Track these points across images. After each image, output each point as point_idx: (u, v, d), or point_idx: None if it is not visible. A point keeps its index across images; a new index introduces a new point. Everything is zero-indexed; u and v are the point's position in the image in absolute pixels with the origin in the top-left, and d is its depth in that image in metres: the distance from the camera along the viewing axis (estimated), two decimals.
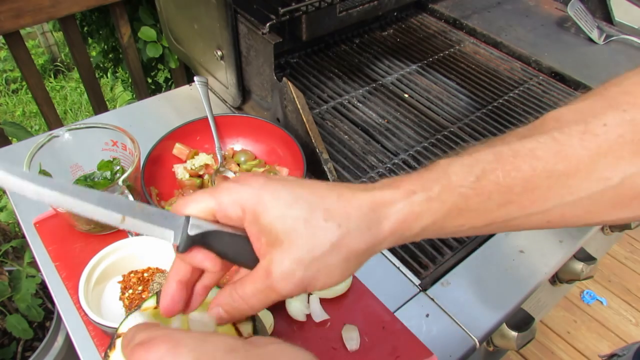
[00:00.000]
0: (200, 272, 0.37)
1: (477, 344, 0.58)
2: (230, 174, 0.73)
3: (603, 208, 0.31)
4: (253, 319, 0.44)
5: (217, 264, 0.35)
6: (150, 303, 0.45)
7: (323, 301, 0.60)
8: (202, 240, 0.34)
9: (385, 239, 0.33)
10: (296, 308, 0.58)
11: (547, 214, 0.31)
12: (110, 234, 0.66)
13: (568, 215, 0.31)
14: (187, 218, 0.33)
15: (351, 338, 0.56)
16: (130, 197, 0.58)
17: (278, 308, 0.59)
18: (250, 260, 0.35)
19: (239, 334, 0.43)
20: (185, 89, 0.96)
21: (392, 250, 0.67)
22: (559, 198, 0.30)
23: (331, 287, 0.58)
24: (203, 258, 0.34)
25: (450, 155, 0.34)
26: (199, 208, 0.34)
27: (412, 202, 0.32)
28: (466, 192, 0.31)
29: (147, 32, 1.28)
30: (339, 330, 0.57)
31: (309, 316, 0.59)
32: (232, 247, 0.35)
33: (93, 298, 0.56)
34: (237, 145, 0.78)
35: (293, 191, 0.33)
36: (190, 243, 0.33)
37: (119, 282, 0.59)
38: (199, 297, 0.37)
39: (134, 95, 1.50)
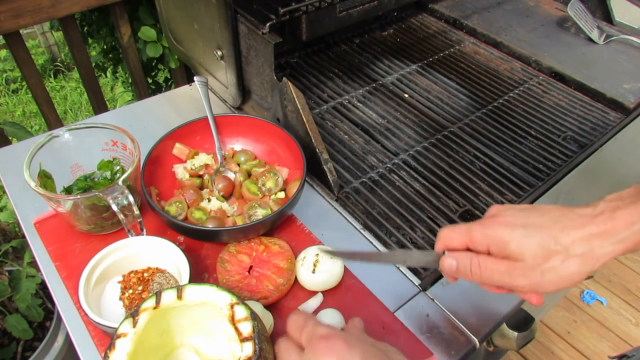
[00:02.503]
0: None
1: (477, 344, 0.58)
2: (230, 174, 0.73)
3: None
4: (253, 318, 0.44)
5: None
6: (150, 303, 0.45)
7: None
8: None
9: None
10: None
11: None
12: (110, 234, 0.66)
13: None
14: (443, 252, 0.48)
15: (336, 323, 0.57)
16: (130, 198, 0.58)
17: (278, 308, 0.59)
18: None
19: (239, 333, 0.43)
20: (185, 89, 0.96)
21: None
22: None
23: (325, 276, 0.59)
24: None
25: None
26: (455, 244, 0.47)
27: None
28: None
29: (147, 32, 1.28)
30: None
31: None
32: None
33: (93, 298, 0.56)
34: (237, 145, 0.78)
35: (526, 225, 0.44)
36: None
37: (119, 282, 0.60)
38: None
39: (134, 96, 1.50)
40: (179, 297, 0.45)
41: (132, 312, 0.44)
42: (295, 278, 0.62)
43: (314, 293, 0.61)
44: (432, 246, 0.68)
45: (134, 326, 0.43)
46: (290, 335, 0.44)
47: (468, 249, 0.46)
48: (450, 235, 0.47)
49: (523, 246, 0.42)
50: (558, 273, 0.41)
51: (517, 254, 0.43)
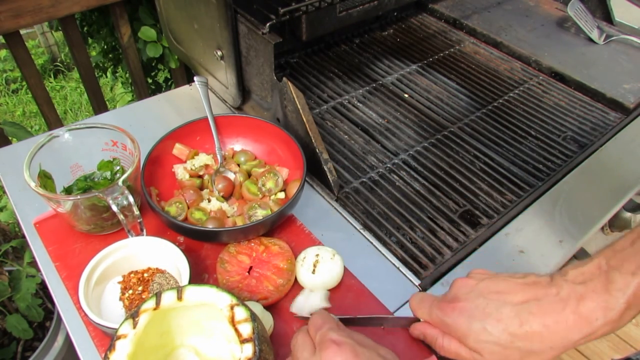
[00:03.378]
0: None
1: None
2: (230, 174, 0.73)
3: None
4: (253, 319, 0.44)
5: None
6: (150, 304, 0.45)
7: None
8: None
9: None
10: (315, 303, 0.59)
11: None
12: (110, 234, 0.66)
13: None
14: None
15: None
16: (130, 198, 0.58)
17: (278, 308, 0.59)
18: None
19: (239, 334, 0.43)
20: (185, 89, 0.96)
21: (392, 251, 0.67)
22: None
23: (325, 276, 0.59)
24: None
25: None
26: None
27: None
28: None
29: (147, 32, 1.28)
30: None
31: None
32: None
33: (93, 298, 0.56)
34: (237, 145, 0.78)
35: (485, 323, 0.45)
36: None
37: (119, 283, 0.59)
38: None
39: (134, 96, 1.50)
40: (179, 298, 0.45)
41: (132, 313, 0.44)
42: (295, 278, 0.62)
43: None
44: (432, 246, 0.68)
45: (134, 327, 0.43)
46: (309, 331, 0.46)
47: None
48: (415, 307, 0.51)
49: (480, 344, 0.43)
50: None
51: (475, 349, 0.44)
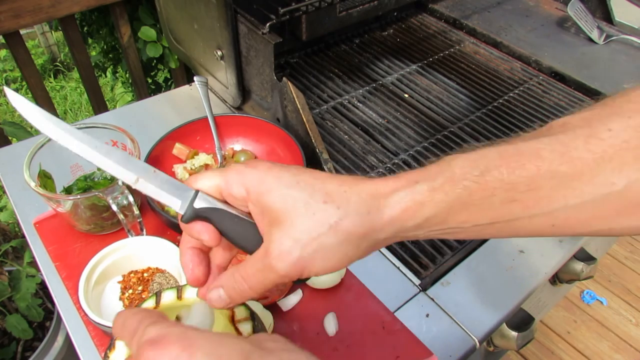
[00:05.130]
0: (209, 247, 0.38)
1: (477, 344, 0.58)
2: None
3: (608, 214, 0.30)
4: (253, 318, 0.44)
5: (215, 239, 0.36)
6: (150, 303, 0.45)
7: (320, 296, 0.60)
8: (206, 216, 0.35)
9: (384, 227, 0.33)
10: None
11: (551, 217, 0.31)
12: (110, 234, 0.66)
13: (573, 219, 0.31)
14: (196, 192, 0.35)
15: (329, 323, 0.58)
16: (130, 197, 0.58)
17: (278, 308, 0.59)
18: (252, 245, 0.36)
19: (239, 333, 0.43)
20: (185, 89, 0.96)
21: (392, 250, 0.67)
22: (562, 200, 0.30)
23: (326, 275, 0.58)
24: (202, 230, 0.35)
25: (453, 152, 0.34)
26: (208, 184, 0.36)
27: (414, 191, 0.32)
28: (470, 186, 0.31)
29: (147, 32, 1.28)
30: (340, 332, 0.57)
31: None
32: (235, 229, 0.36)
33: (93, 298, 0.56)
34: (237, 145, 0.78)
35: (296, 175, 0.34)
36: (194, 215, 0.35)
37: (119, 282, 0.59)
38: (215, 278, 0.38)
39: (134, 96, 1.50)
40: (179, 297, 0.45)
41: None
42: None
43: None
44: (432, 246, 0.68)
45: None
46: (125, 342, 0.33)
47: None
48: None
49: (286, 197, 0.33)
50: (324, 243, 0.32)
51: (277, 209, 0.33)
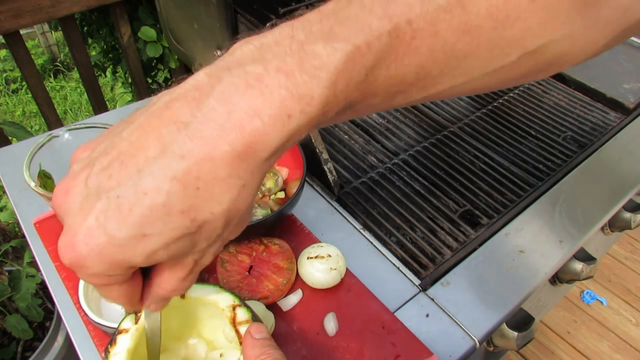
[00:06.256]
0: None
1: (477, 344, 0.58)
2: None
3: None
4: (254, 320, 0.44)
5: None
6: (127, 324, 0.43)
7: (320, 296, 0.60)
8: None
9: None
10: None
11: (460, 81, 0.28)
12: None
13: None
14: None
15: (329, 323, 0.58)
16: None
17: (278, 308, 0.59)
18: None
19: (239, 335, 0.43)
20: None
21: (392, 250, 0.67)
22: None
23: (326, 275, 0.58)
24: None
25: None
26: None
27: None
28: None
29: (147, 32, 1.28)
30: (340, 332, 0.57)
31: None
32: None
33: (93, 298, 0.56)
34: None
35: None
36: None
37: None
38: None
39: (134, 96, 1.50)
40: (182, 295, 0.45)
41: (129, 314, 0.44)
42: (295, 278, 0.62)
43: None
44: (432, 246, 0.68)
45: (136, 323, 0.43)
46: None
47: None
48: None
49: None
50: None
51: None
